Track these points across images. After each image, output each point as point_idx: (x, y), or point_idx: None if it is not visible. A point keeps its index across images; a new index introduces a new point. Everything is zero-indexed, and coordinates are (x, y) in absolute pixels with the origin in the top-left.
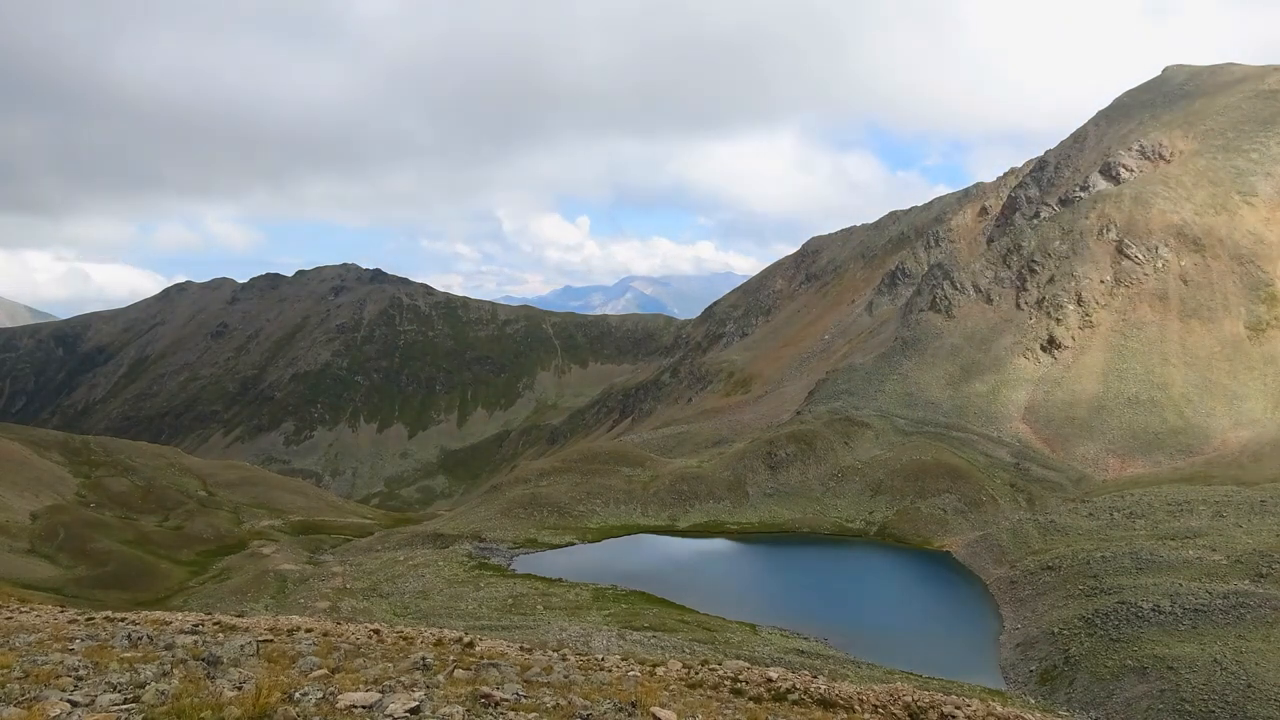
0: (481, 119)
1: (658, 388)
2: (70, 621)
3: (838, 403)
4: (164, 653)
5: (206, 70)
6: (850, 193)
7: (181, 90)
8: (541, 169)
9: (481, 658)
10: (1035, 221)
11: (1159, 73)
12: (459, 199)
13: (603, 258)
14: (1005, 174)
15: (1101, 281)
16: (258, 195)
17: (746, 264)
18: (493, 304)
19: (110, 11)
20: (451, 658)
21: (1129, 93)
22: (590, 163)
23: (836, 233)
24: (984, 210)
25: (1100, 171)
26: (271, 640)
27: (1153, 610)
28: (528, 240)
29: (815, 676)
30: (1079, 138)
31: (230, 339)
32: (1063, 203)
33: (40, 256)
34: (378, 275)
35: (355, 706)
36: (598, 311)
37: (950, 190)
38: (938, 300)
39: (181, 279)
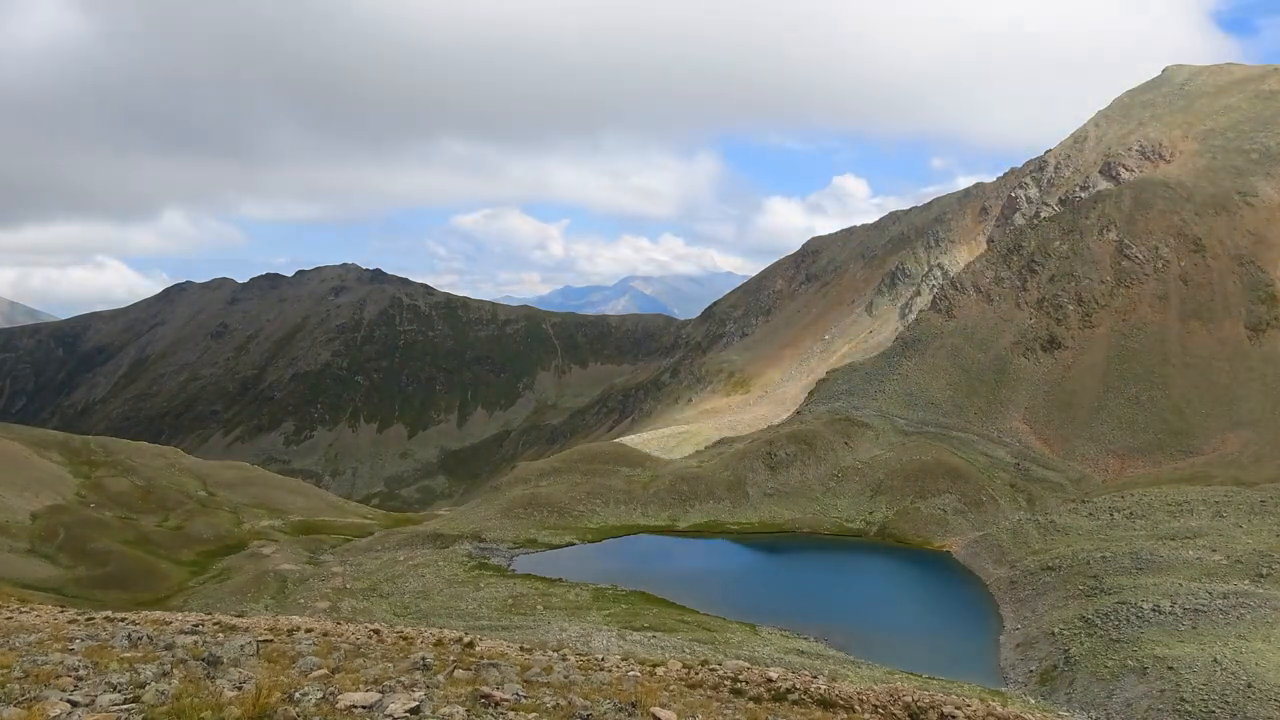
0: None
1: (658, 388)
2: (70, 621)
3: (838, 403)
4: (164, 653)
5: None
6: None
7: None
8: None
9: (481, 658)
10: (1035, 221)
11: (1159, 73)
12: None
13: (567, 258)
14: (1005, 174)
15: (1101, 281)
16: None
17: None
18: (493, 304)
19: None
20: (451, 658)
21: (1129, 93)
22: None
23: (836, 233)
24: (984, 210)
25: (1100, 171)
26: (271, 640)
27: (1153, 610)
28: (496, 240)
29: (815, 676)
30: (1079, 138)
31: (230, 339)
32: (1063, 203)
33: None
34: (378, 275)
35: (355, 706)
36: (598, 311)
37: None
38: (938, 300)
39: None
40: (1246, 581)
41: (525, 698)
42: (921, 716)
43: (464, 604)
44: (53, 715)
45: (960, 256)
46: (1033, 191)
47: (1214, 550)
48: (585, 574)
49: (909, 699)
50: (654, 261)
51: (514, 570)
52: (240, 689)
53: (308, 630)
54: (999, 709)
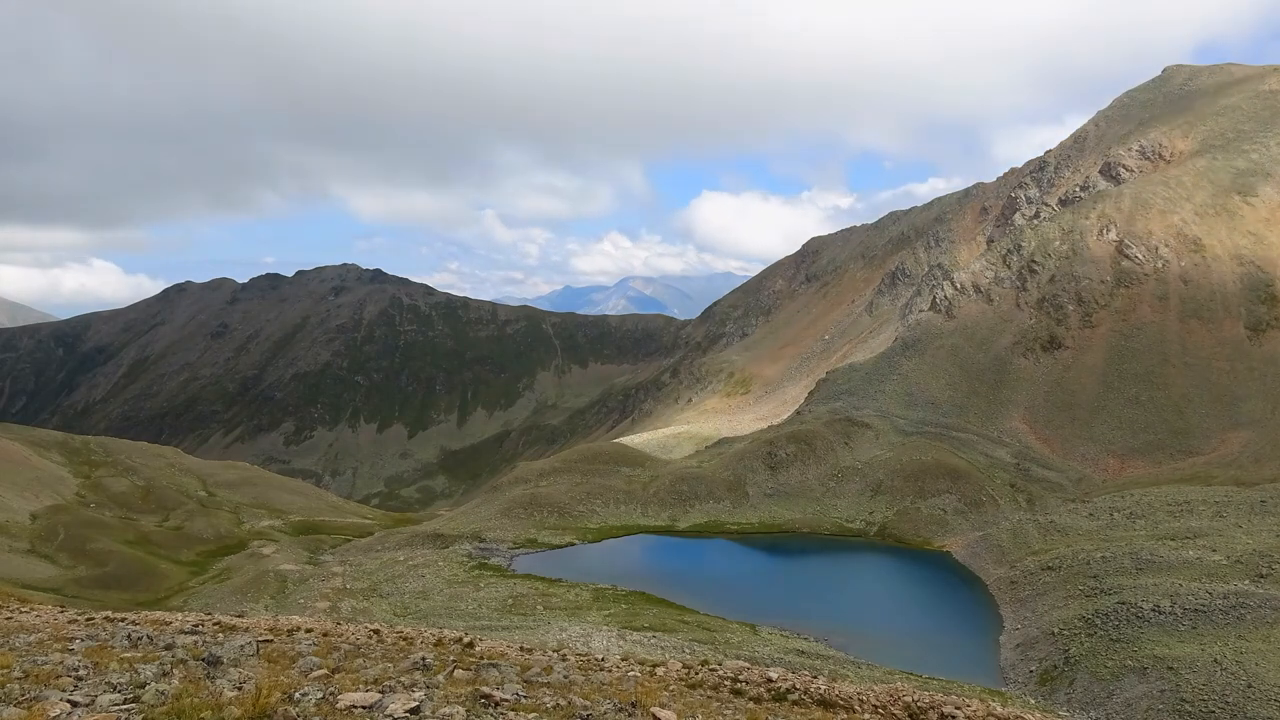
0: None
1: (658, 388)
2: (70, 621)
3: (838, 403)
4: (164, 653)
5: None
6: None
7: None
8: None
9: (481, 658)
10: (1035, 221)
11: (1159, 73)
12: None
13: (548, 260)
14: (1005, 174)
15: (1101, 281)
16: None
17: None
18: (493, 304)
19: None
20: (451, 658)
21: (1129, 93)
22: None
23: (836, 233)
24: (984, 210)
25: (1100, 171)
26: (271, 640)
27: (1153, 610)
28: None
29: (815, 676)
30: (1079, 138)
31: (230, 339)
32: (1063, 203)
33: None
34: (378, 275)
35: (355, 706)
36: (597, 311)
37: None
38: (938, 300)
39: None
40: (1246, 581)
41: (525, 698)
42: (921, 716)
43: (464, 604)
44: (53, 715)
45: (960, 256)
46: (1033, 191)
47: (1214, 550)
48: (585, 574)
49: (909, 699)
50: (641, 261)
51: (514, 570)
52: (240, 689)
53: (308, 630)
54: (999, 709)
